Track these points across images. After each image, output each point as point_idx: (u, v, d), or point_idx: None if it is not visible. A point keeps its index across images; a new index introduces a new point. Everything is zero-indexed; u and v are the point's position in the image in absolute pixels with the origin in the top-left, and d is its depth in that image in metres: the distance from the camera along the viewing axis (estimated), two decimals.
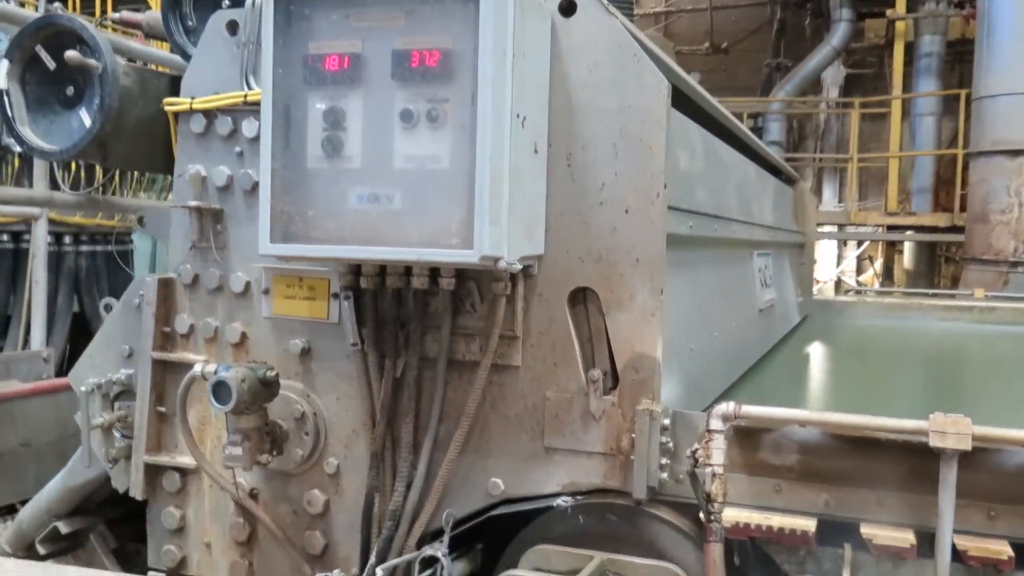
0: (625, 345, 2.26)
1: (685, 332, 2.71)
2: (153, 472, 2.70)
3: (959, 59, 13.77)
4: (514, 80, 2.04)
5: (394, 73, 2.08)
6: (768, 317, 4.26)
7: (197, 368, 2.41)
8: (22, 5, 5.14)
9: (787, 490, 2.16)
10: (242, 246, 2.59)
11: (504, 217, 2.04)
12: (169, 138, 2.72)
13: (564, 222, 2.29)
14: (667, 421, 2.20)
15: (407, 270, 2.26)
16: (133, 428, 2.70)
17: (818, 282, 13.60)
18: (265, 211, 2.16)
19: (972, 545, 2.00)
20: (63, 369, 5.15)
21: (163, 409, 2.69)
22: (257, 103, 2.29)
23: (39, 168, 5.78)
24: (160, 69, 3.74)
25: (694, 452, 2.07)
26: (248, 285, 2.60)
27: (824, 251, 14.84)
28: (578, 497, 2.28)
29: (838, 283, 14.81)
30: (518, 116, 2.08)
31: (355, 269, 2.33)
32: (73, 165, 6.24)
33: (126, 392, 2.74)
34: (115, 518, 3.15)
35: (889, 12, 13.80)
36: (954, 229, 12.14)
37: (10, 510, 3.48)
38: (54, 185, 6.11)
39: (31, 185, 5.95)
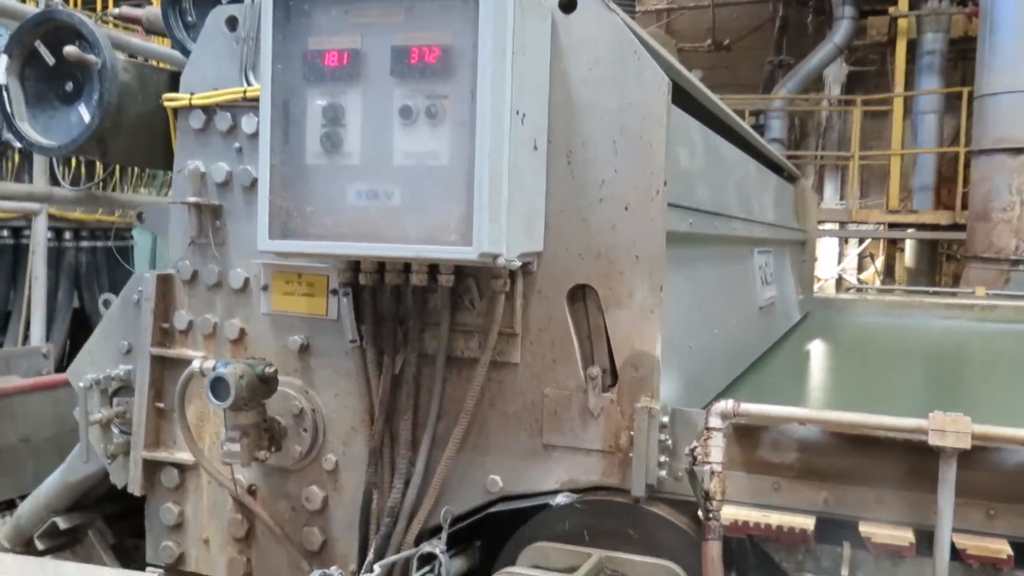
0: (624, 342, 2.25)
1: (685, 329, 2.71)
2: (151, 468, 2.70)
3: (962, 57, 13.74)
4: (514, 77, 2.04)
5: (393, 69, 2.07)
6: (768, 315, 4.25)
7: (195, 364, 2.41)
8: (22, 0, 5.13)
9: (786, 488, 2.16)
10: (241, 242, 2.59)
11: (503, 214, 2.03)
12: (168, 134, 2.72)
13: (564, 219, 2.29)
14: (666, 419, 2.20)
15: (406, 267, 2.25)
16: (131, 424, 2.70)
17: (819, 280, 13.59)
18: (264, 207, 2.16)
19: (971, 544, 1.99)
20: (63, 365, 5.14)
21: (161, 405, 2.69)
22: (256, 99, 2.28)
23: (39, 164, 5.78)
24: (161, 65, 3.73)
25: (693, 450, 2.07)
26: (247, 281, 2.60)
27: (825, 249, 14.82)
28: (577, 494, 2.28)
29: (839, 281, 14.80)
30: (518, 113, 2.07)
31: (354, 266, 2.33)
32: (73, 161, 6.23)
33: (125, 388, 2.74)
34: (114, 514, 3.15)
35: (891, 9, 13.77)
36: (956, 227, 12.13)
37: (9, 505, 3.49)
38: (54, 181, 6.11)
39: (31, 180, 5.95)
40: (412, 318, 2.35)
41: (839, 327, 5.48)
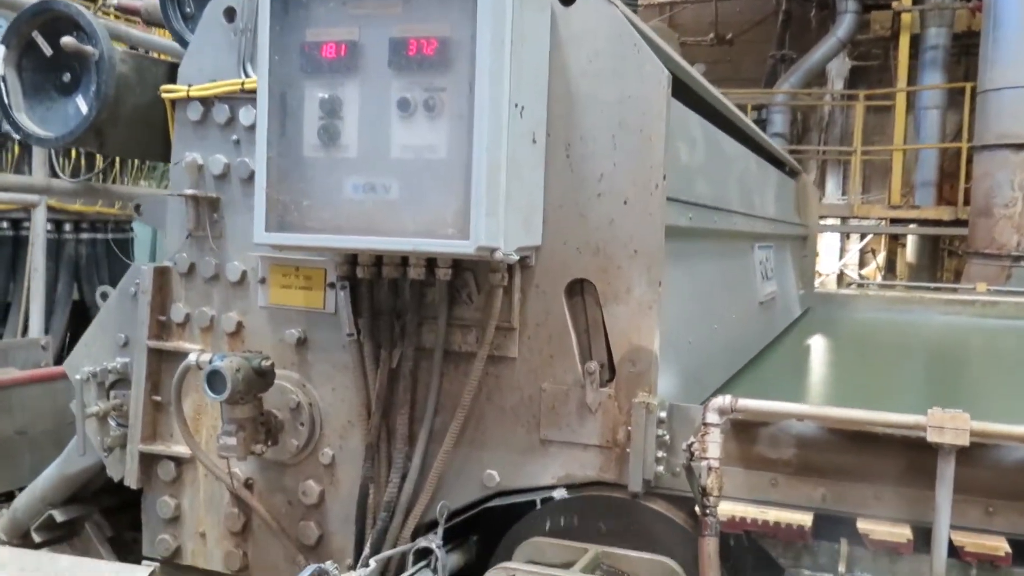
0: (622, 337, 2.24)
1: (684, 324, 2.70)
2: (148, 461, 2.70)
3: (965, 52, 13.70)
4: (512, 69, 2.02)
5: (391, 61, 2.06)
6: (769, 310, 4.24)
7: (192, 357, 2.41)
8: None
9: (784, 484, 2.15)
10: (239, 235, 2.58)
11: (501, 208, 2.02)
12: (167, 126, 2.70)
13: (562, 213, 2.28)
14: (663, 414, 2.19)
15: (404, 260, 2.24)
16: (128, 417, 2.69)
17: (820, 275, 13.57)
18: (260, 200, 2.15)
19: (969, 541, 1.98)
20: (62, 357, 5.13)
21: (158, 398, 2.68)
22: (254, 91, 2.27)
23: (38, 155, 5.76)
24: (162, 57, 3.72)
25: (690, 446, 2.06)
26: (244, 274, 2.59)
27: (827, 244, 14.80)
28: (573, 490, 2.27)
29: (840, 276, 14.77)
30: (516, 106, 2.06)
31: (351, 259, 2.32)
32: (73, 152, 6.22)
33: (122, 381, 2.74)
34: (111, 506, 3.15)
35: (895, 4, 13.74)
36: (957, 223, 12.11)
37: (7, 498, 3.48)
38: (55, 173, 6.10)
39: (31, 172, 5.94)
40: (410, 312, 2.34)
41: (840, 323, 5.47)
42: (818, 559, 2.16)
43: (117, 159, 6.54)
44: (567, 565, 2.12)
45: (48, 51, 2.72)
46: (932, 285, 7.49)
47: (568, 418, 2.27)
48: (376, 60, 2.07)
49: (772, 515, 2.10)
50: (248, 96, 2.51)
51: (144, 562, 2.73)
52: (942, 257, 14.06)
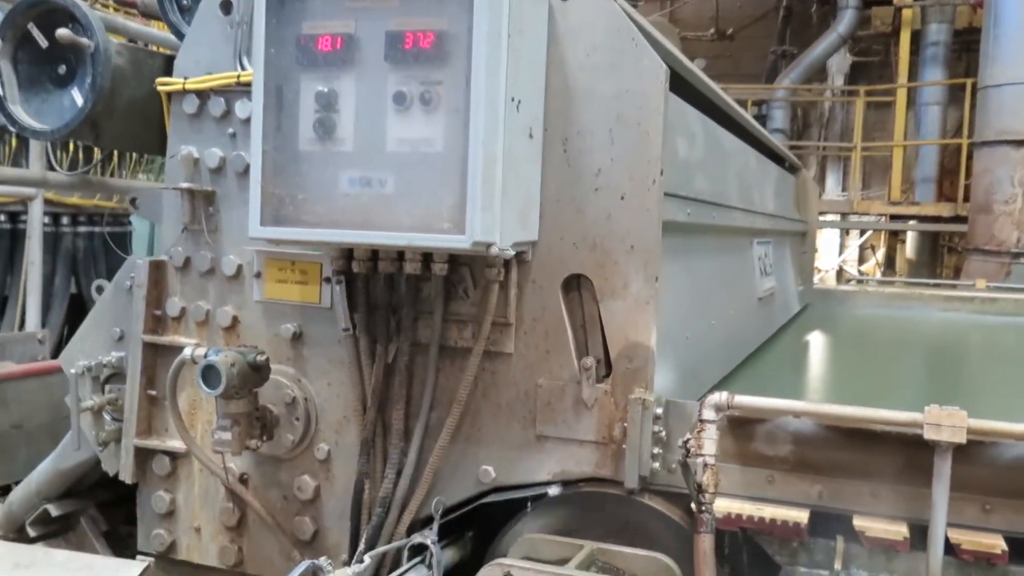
0: (619, 333, 2.23)
1: (682, 320, 2.69)
2: (143, 456, 2.69)
3: (966, 48, 13.67)
4: (509, 63, 2.01)
5: (387, 55, 2.05)
6: (767, 306, 4.23)
7: (187, 352, 2.40)
8: None
9: (780, 481, 2.14)
10: (234, 229, 2.57)
11: (497, 202, 2.01)
12: (163, 119, 2.69)
13: (559, 208, 2.26)
14: (660, 410, 2.18)
15: (400, 255, 2.23)
16: (123, 411, 2.68)
17: (820, 271, 13.56)
18: (255, 194, 2.14)
19: (966, 539, 1.98)
20: (60, 351, 5.12)
21: (153, 392, 2.67)
22: (250, 84, 2.25)
23: (35, 148, 5.74)
24: (161, 51, 3.70)
25: (686, 442, 2.05)
26: (240, 268, 2.58)
27: (826, 240, 14.79)
28: (569, 486, 2.27)
29: (840, 272, 14.77)
30: (513, 100, 2.05)
31: (347, 253, 2.30)
32: (71, 145, 6.20)
33: (117, 375, 2.72)
34: (106, 501, 3.14)
35: (896, 0, 13.69)
36: (957, 219, 12.09)
37: (2, 492, 3.47)
38: (52, 166, 6.08)
39: (28, 165, 5.92)
40: (405, 307, 2.33)
41: (838, 319, 5.46)
42: (814, 556, 2.15)
43: (115, 152, 6.51)
44: (562, 561, 2.11)
45: (44, 43, 2.70)
46: (931, 281, 7.47)
47: (564, 414, 2.27)
48: (372, 53, 2.06)
49: (768, 512, 2.09)
50: (244, 89, 2.49)
51: (139, 557, 2.72)
52: (942, 253, 14.05)
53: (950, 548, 1.97)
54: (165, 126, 2.68)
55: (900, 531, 2.01)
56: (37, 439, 3.73)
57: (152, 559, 2.69)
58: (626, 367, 2.22)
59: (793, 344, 4.39)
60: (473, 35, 1.96)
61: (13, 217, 6.49)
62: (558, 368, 2.27)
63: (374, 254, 2.26)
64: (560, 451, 2.28)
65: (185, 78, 2.61)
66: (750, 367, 3.50)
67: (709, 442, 2.03)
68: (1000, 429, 1.93)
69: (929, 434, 1.92)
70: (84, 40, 2.61)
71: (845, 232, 14.98)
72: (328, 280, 2.44)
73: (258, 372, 2.33)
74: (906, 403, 2.04)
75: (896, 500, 2.05)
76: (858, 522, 2.05)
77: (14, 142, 6.14)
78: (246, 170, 2.49)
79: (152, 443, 2.67)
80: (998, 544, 1.96)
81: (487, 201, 1.98)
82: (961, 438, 1.90)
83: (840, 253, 15.13)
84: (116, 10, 6.22)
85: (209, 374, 2.23)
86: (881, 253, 14.90)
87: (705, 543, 2.01)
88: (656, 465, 2.18)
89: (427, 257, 2.21)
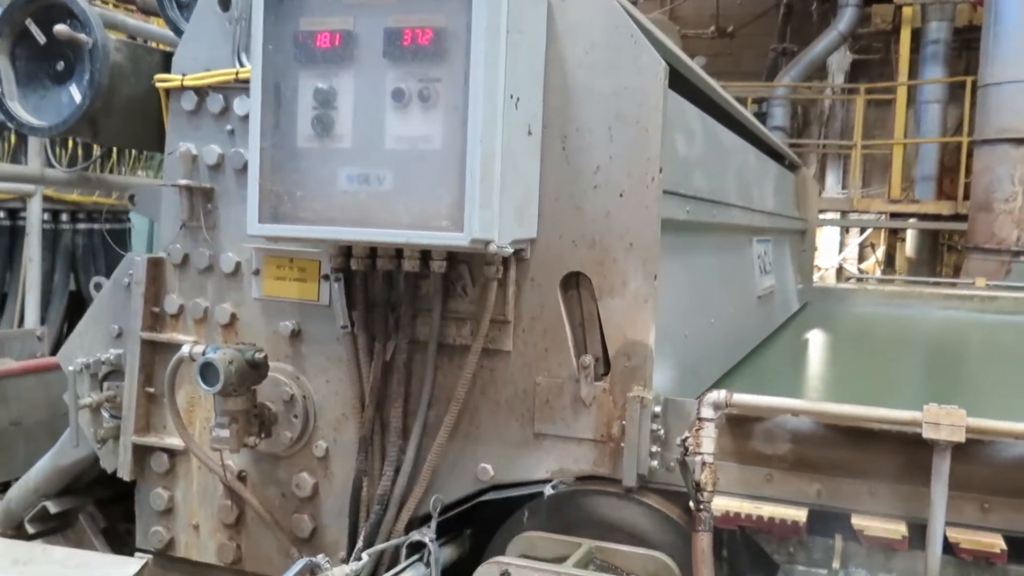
0: (617, 331, 2.23)
1: (680, 318, 2.69)
2: (141, 453, 2.69)
3: (966, 46, 13.65)
4: (508, 60, 2.01)
5: (386, 51, 2.04)
6: (767, 304, 4.23)
7: (185, 349, 2.39)
8: None
9: (779, 480, 2.13)
10: (233, 226, 2.56)
11: (495, 200, 2.01)
12: (161, 115, 2.68)
13: (558, 206, 2.26)
14: (658, 408, 2.18)
15: (398, 252, 2.23)
16: (122, 408, 2.68)
17: (820, 269, 13.55)
18: (253, 191, 2.13)
19: (964, 538, 1.97)
20: (59, 348, 5.12)
21: (152, 390, 2.67)
22: (249, 80, 2.25)
23: (34, 144, 5.74)
24: (161, 47, 3.70)
25: (684, 440, 2.04)
26: (238, 265, 2.57)
27: (826, 238, 14.78)
28: (567, 484, 2.26)
29: (840, 270, 14.76)
30: (512, 97, 2.04)
31: (345, 251, 2.30)
32: (70, 142, 6.19)
33: (115, 372, 2.72)
34: (105, 498, 3.13)
35: None
36: (957, 217, 12.08)
37: (1, 488, 3.47)
38: (52, 163, 6.07)
39: (27, 161, 5.91)
40: (404, 304, 2.33)
41: (838, 317, 5.45)
42: (813, 555, 2.15)
43: (114, 149, 6.50)
44: (560, 559, 2.10)
45: (41, 39, 2.70)
46: (931, 280, 7.46)
47: (562, 412, 2.26)
48: (371, 50, 2.05)
49: (767, 511, 2.09)
50: (243, 86, 2.49)
51: (137, 554, 2.72)
52: (941, 252, 14.04)
53: (949, 547, 1.97)
54: (164, 123, 2.68)
55: (899, 530, 2.01)
56: (36, 436, 3.73)
57: (150, 556, 2.69)
58: (624, 365, 2.22)
59: (792, 342, 4.38)
60: (472, 32, 1.95)
61: (12, 214, 6.47)
62: (556, 366, 2.27)
63: (373, 251, 2.26)
64: (558, 449, 2.28)
65: (183, 75, 2.60)
66: (749, 365, 3.50)
67: (707, 440, 2.02)
68: (999, 428, 1.93)
69: (928, 433, 1.91)
70: (82, 36, 2.61)
71: (845, 230, 14.97)
72: (327, 277, 2.44)
73: (256, 369, 2.32)
74: (905, 402, 2.03)
75: (895, 499, 2.05)
76: (857, 521, 2.05)
77: (13, 138, 6.12)
78: (244, 167, 2.48)
79: (150, 440, 2.67)
80: (997, 543, 1.96)
81: (485, 198, 1.98)
82: (960, 437, 1.90)
83: (840, 251, 15.13)
84: (115, 6, 6.21)
85: (207, 371, 2.23)
86: (881, 251, 14.89)
87: (703, 541, 2.00)
88: (654, 463, 2.18)
89: (425, 254, 2.21)
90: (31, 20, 2.70)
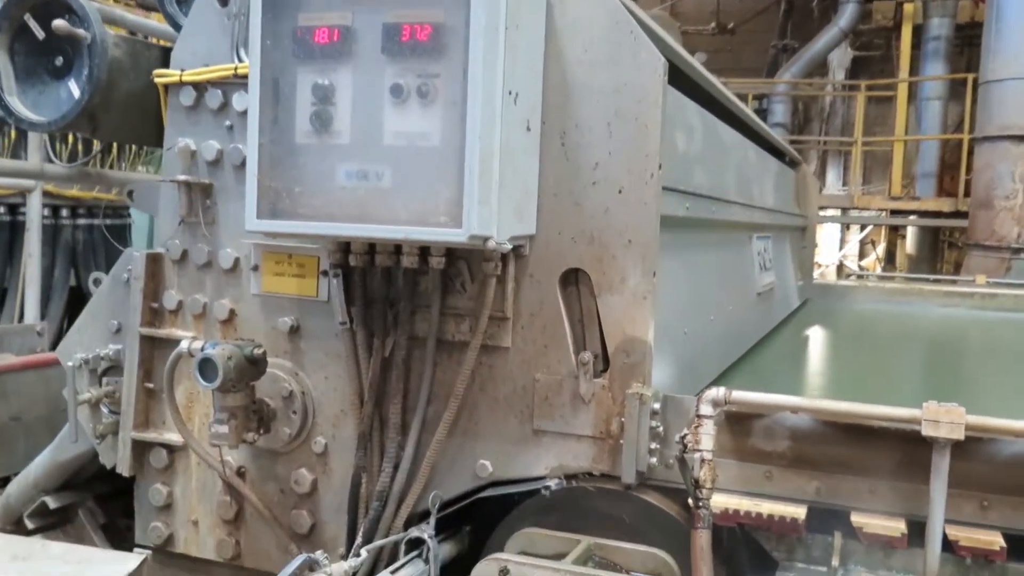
0: (616, 328, 2.23)
1: (680, 315, 2.68)
2: (140, 449, 2.69)
3: (967, 43, 13.63)
4: (507, 56, 2.00)
5: (384, 47, 2.03)
6: (767, 301, 4.23)
7: (184, 345, 2.39)
8: None
9: (778, 477, 2.13)
10: (231, 222, 2.56)
11: (494, 196, 2.00)
12: (160, 111, 2.68)
13: (557, 202, 2.26)
14: (657, 405, 2.18)
15: (397, 248, 2.22)
16: (120, 404, 2.67)
17: (820, 266, 13.54)
18: (252, 187, 2.13)
19: (964, 535, 1.97)
20: (59, 343, 5.12)
21: (151, 385, 2.67)
22: (247, 76, 2.24)
23: (34, 140, 5.73)
24: (161, 43, 3.69)
25: (683, 437, 2.04)
26: (237, 261, 2.57)
27: (827, 235, 14.77)
28: (566, 481, 2.26)
29: (840, 267, 14.75)
30: (510, 93, 2.04)
31: (344, 247, 2.30)
32: (70, 137, 6.18)
33: (114, 368, 2.72)
34: (104, 493, 3.14)
35: None
36: (958, 214, 12.07)
37: (0, 483, 3.47)
38: (52, 158, 6.06)
39: (27, 157, 5.91)
40: (403, 300, 2.32)
41: (838, 314, 5.45)
42: (812, 552, 2.15)
43: (114, 144, 6.50)
44: (559, 556, 2.10)
45: (40, 34, 2.69)
46: (931, 277, 7.46)
47: (561, 409, 2.26)
48: (369, 46, 2.04)
49: (766, 508, 2.09)
50: (241, 81, 2.48)
51: (136, 549, 2.72)
52: (942, 249, 14.03)
53: (948, 545, 1.97)
54: (162, 118, 2.67)
55: (898, 527, 2.01)
56: (35, 431, 3.74)
57: (149, 552, 2.69)
58: (623, 362, 2.22)
59: (792, 339, 4.38)
60: (470, 28, 1.95)
61: (12, 209, 6.47)
62: (555, 363, 2.27)
63: (371, 247, 2.26)
64: (557, 446, 2.27)
65: (182, 70, 2.60)
66: (748, 362, 3.49)
67: (706, 437, 2.02)
68: (999, 426, 1.92)
69: (927, 430, 1.91)
70: (81, 31, 2.60)
71: (845, 227, 14.97)
72: (325, 273, 2.44)
73: (255, 365, 2.32)
74: (905, 399, 2.03)
75: (894, 496, 2.05)
76: (856, 518, 2.05)
77: (13, 134, 6.12)
78: (243, 163, 2.47)
79: (149, 436, 2.67)
80: (996, 541, 1.96)
81: (484, 194, 1.97)
82: (959, 435, 1.90)
83: (840, 248, 15.12)
84: (114, 2, 6.20)
85: (206, 367, 2.23)
86: (881, 248, 14.89)
87: (702, 539, 2.00)
88: (653, 460, 2.18)
89: (424, 251, 2.20)
90: (30, 15, 2.69)
